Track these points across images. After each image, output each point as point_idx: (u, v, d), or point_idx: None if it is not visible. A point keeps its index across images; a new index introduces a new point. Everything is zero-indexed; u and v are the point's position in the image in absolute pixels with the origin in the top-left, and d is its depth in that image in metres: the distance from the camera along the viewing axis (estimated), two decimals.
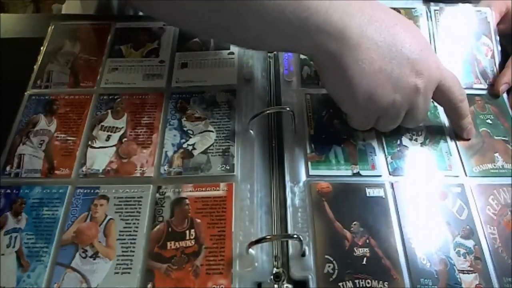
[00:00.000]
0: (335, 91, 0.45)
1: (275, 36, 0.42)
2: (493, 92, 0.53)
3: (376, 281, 0.39)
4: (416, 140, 0.48)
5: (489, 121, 0.50)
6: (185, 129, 0.49)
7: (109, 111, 0.51)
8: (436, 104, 0.49)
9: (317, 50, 0.41)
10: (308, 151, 0.47)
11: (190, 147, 0.47)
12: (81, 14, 0.72)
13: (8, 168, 0.46)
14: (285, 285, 0.40)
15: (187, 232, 0.42)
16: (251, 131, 0.48)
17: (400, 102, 0.42)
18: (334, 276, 0.40)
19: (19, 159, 0.47)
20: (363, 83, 0.41)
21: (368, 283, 0.39)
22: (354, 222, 0.42)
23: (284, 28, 0.40)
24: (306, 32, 0.40)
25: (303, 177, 0.45)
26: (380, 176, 0.46)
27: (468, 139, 0.49)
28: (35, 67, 0.55)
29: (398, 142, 0.48)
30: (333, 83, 0.44)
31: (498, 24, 0.58)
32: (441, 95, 0.45)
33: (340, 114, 0.50)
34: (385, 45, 0.41)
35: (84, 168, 0.46)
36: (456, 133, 0.49)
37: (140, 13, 0.66)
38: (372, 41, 0.40)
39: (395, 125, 0.46)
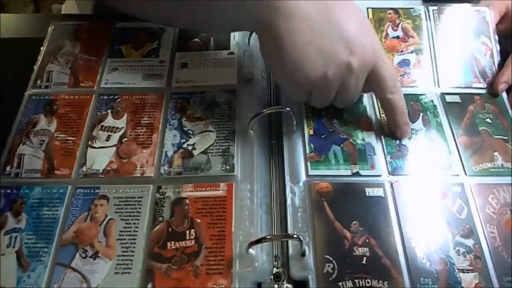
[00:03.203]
0: (269, 61, 0.46)
1: (219, 14, 0.45)
2: (492, 91, 0.53)
3: (376, 280, 0.39)
4: (415, 139, 0.49)
5: (488, 120, 0.50)
6: (185, 129, 0.49)
7: (109, 111, 0.51)
8: (427, 99, 0.49)
9: (256, 22, 0.43)
10: (308, 151, 0.47)
11: (190, 147, 0.47)
12: (81, 14, 0.72)
13: (8, 168, 0.46)
14: (285, 285, 0.40)
15: (187, 232, 0.42)
16: (251, 131, 0.48)
17: (331, 78, 0.43)
18: (334, 276, 0.40)
19: (19, 159, 0.47)
20: (291, 53, 0.42)
21: (368, 282, 0.39)
22: (354, 222, 0.42)
23: (226, 4, 0.44)
24: (245, 6, 0.43)
25: (303, 177, 0.45)
26: (379, 175, 0.46)
27: (401, 139, 0.48)
28: (35, 67, 0.55)
29: (398, 141, 0.48)
30: (268, 53, 0.45)
31: (497, 24, 0.58)
32: (373, 81, 0.45)
33: (339, 114, 0.50)
34: (319, 19, 0.42)
35: (84, 168, 0.46)
36: (390, 131, 0.49)
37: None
38: (306, 14, 0.42)
39: (327, 101, 0.46)
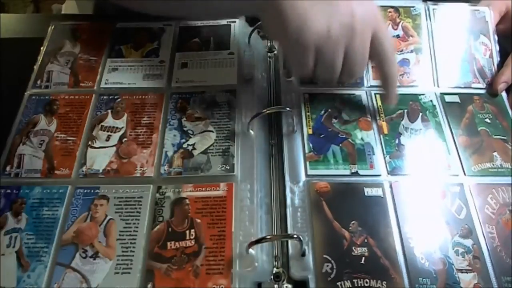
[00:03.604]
0: (274, 37, 0.49)
1: (220, 2, 0.48)
2: (491, 91, 0.53)
3: (375, 280, 0.39)
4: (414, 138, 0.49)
5: (487, 120, 0.51)
6: (185, 129, 0.49)
7: (109, 111, 0.51)
8: (426, 99, 0.50)
9: (257, 4, 0.45)
10: (307, 151, 0.47)
11: (190, 147, 0.47)
12: (81, 14, 0.73)
13: (8, 168, 0.47)
14: (285, 285, 0.40)
15: (187, 232, 0.42)
16: (251, 131, 0.48)
17: (335, 36, 0.43)
18: (332, 276, 0.40)
19: (19, 159, 0.47)
20: (294, 21, 0.42)
21: (367, 282, 0.39)
22: (353, 222, 0.42)
23: None
24: None
25: (302, 177, 0.46)
26: (378, 175, 0.46)
27: (391, 104, 0.50)
28: (35, 67, 0.55)
29: (397, 141, 0.48)
30: (272, 30, 0.46)
31: (497, 24, 0.58)
32: (374, 49, 0.45)
33: (339, 113, 0.50)
34: None
35: (84, 168, 0.46)
36: (382, 97, 0.51)
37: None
38: None
39: (333, 70, 0.46)
